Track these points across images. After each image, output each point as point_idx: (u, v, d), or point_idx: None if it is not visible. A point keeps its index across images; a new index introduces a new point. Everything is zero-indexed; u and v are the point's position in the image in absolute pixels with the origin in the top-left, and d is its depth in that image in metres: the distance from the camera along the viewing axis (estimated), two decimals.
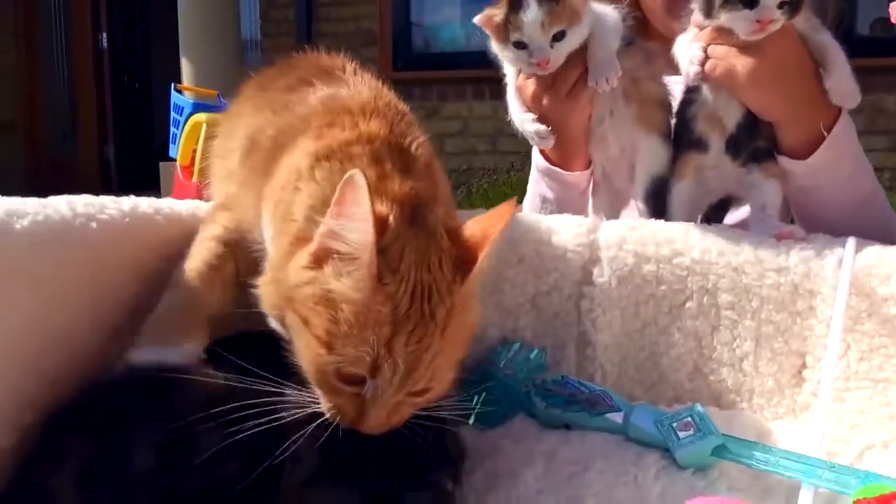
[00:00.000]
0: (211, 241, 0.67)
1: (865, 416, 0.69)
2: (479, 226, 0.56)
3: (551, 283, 0.79)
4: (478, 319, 0.59)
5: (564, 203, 0.95)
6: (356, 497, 0.56)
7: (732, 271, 0.74)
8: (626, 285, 0.77)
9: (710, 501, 0.50)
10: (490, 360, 0.76)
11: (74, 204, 0.61)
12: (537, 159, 0.97)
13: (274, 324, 0.58)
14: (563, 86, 0.83)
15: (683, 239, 0.76)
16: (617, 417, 0.68)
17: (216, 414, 0.50)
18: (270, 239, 0.61)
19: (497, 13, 0.80)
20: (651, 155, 0.84)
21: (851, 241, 0.72)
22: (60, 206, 0.59)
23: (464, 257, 0.54)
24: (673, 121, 0.85)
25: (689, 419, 0.64)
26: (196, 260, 0.66)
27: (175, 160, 2.57)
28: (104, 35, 6.23)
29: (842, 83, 0.78)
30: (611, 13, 0.83)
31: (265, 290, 0.58)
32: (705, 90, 0.80)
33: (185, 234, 0.70)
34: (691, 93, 0.83)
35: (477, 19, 0.83)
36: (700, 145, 0.82)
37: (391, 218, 0.52)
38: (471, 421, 0.70)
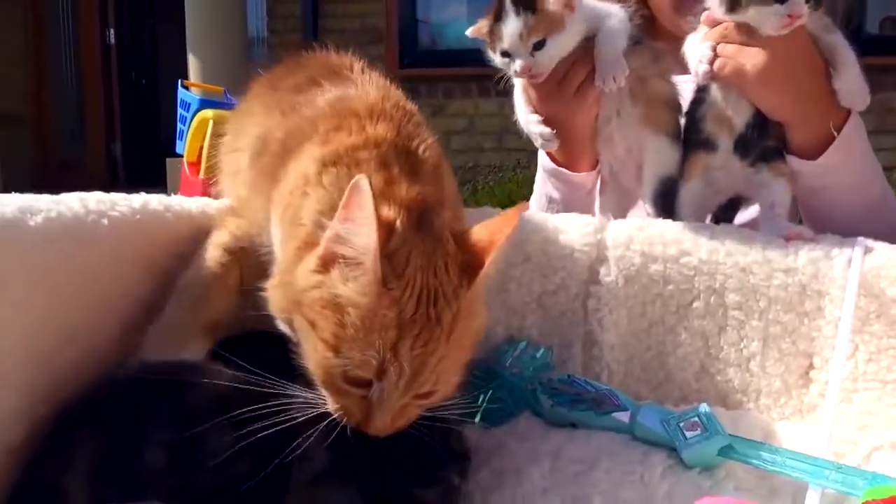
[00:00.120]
0: (217, 248, 0.67)
1: (873, 417, 0.69)
2: (487, 231, 0.56)
3: (558, 283, 0.79)
4: (483, 324, 0.59)
5: (570, 203, 0.95)
6: (365, 494, 0.56)
7: (740, 271, 0.74)
8: (633, 285, 0.77)
9: (718, 501, 0.50)
10: (496, 359, 0.76)
11: (86, 201, 0.61)
12: (543, 160, 0.97)
13: (282, 326, 0.58)
14: (570, 85, 0.83)
15: (691, 239, 0.76)
16: (623, 417, 0.68)
17: (228, 409, 0.51)
18: (279, 243, 0.61)
19: (485, 24, 0.82)
20: (659, 155, 0.83)
21: (860, 242, 0.72)
22: (73, 202, 0.60)
23: (470, 262, 0.54)
24: (682, 120, 0.85)
25: (696, 419, 0.64)
26: (201, 267, 0.67)
27: (182, 156, 2.57)
28: (111, 31, 6.25)
29: (851, 84, 0.78)
30: (618, 12, 0.83)
31: (273, 293, 0.58)
32: (714, 89, 0.80)
33: (194, 232, 0.71)
34: (700, 92, 0.82)
35: (469, 32, 0.84)
36: (708, 145, 0.82)
37: (398, 223, 0.53)
38: (477, 419, 0.70)
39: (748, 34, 0.76)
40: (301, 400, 0.53)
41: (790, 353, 0.74)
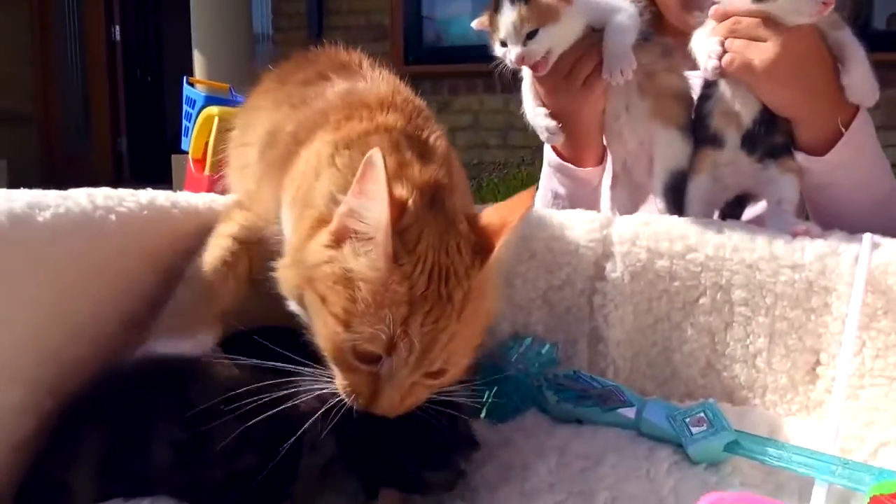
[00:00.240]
0: (227, 237, 0.67)
1: (880, 413, 0.69)
2: (498, 213, 0.57)
3: (563, 279, 0.79)
4: (496, 307, 0.59)
5: (576, 199, 0.95)
6: (374, 478, 0.56)
7: (747, 268, 0.74)
8: (639, 281, 0.77)
9: (725, 496, 0.50)
10: (502, 355, 0.76)
11: (94, 196, 0.61)
12: (549, 155, 0.97)
13: (293, 306, 0.59)
14: (577, 77, 0.84)
15: (697, 235, 0.76)
16: (629, 412, 0.68)
17: (233, 404, 0.51)
18: (290, 225, 0.61)
19: (487, 16, 0.84)
20: (669, 149, 0.84)
21: (868, 238, 0.72)
22: (80, 198, 0.60)
23: (483, 243, 0.55)
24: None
25: (702, 415, 0.64)
26: (210, 255, 0.67)
27: (187, 153, 2.58)
28: (117, 28, 6.26)
29: (860, 79, 0.77)
30: (627, 7, 0.83)
31: (284, 273, 0.58)
32: (722, 85, 0.80)
33: (201, 228, 0.71)
34: (708, 88, 0.82)
35: (474, 23, 0.86)
36: (716, 141, 0.81)
37: (410, 202, 0.53)
38: (483, 415, 0.71)
39: (760, 27, 0.75)
40: (308, 379, 0.53)
41: (797, 349, 0.74)
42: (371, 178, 0.50)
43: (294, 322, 0.59)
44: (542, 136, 0.89)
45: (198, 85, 2.88)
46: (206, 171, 2.41)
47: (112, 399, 0.56)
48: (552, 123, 0.87)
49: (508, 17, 0.80)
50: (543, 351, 0.76)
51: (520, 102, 0.92)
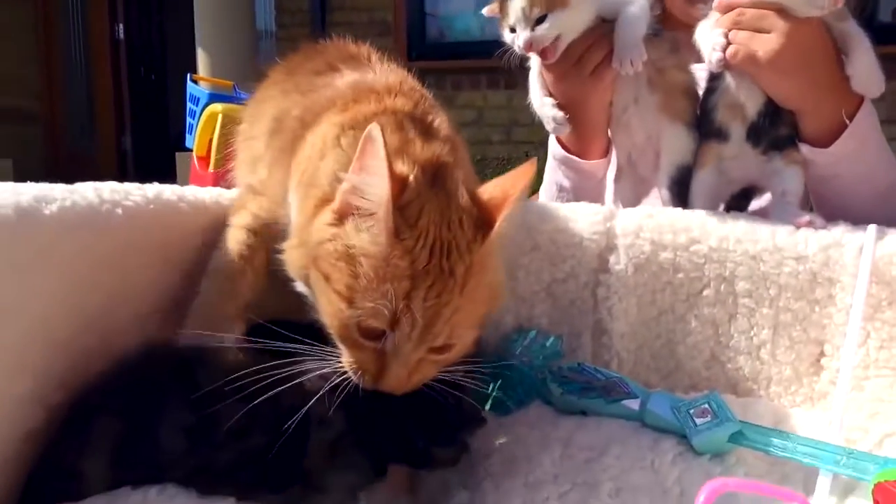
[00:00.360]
0: (241, 230, 0.68)
1: (885, 404, 0.69)
2: (500, 187, 0.57)
3: (567, 271, 0.79)
4: (500, 281, 0.60)
5: (581, 192, 0.95)
6: (383, 453, 0.57)
7: (750, 259, 0.74)
8: (643, 273, 0.77)
9: (729, 481, 0.50)
10: (506, 348, 0.76)
11: (101, 190, 0.62)
12: (554, 148, 0.97)
13: (300, 287, 0.59)
14: (586, 65, 0.84)
15: (701, 227, 0.76)
16: (633, 404, 0.68)
17: (241, 386, 0.52)
18: (296, 207, 0.62)
19: (497, 3, 0.85)
20: (676, 143, 0.84)
21: (872, 229, 0.72)
22: (87, 192, 0.60)
23: (484, 217, 0.55)
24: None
25: (707, 406, 0.64)
26: (227, 250, 0.67)
27: (191, 150, 2.59)
28: (121, 27, 6.26)
29: (865, 70, 0.77)
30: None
31: (291, 253, 0.59)
32: (727, 77, 0.80)
33: (208, 221, 0.71)
34: (713, 81, 0.82)
35: (485, 10, 0.87)
36: (720, 135, 0.81)
37: (412, 178, 0.54)
38: (487, 407, 0.71)
39: (764, 18, 0.75)
40: (314, 358, 0.53)
41: (801, 340, 0.74)
42: (370, 154, 0.50)
43: (306, 309, 0.60)
44: (549, 126, 0.90)
45: (201, 82, 2.89)
46: (211, 168, 2.42)
47: (122, 388, 0.57)
48: (559, 113, 0.87)
49: (518, 1, 0.81)
50: (548, 343, 0.76)
51: (524, 98, 0.92)
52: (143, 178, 0.69)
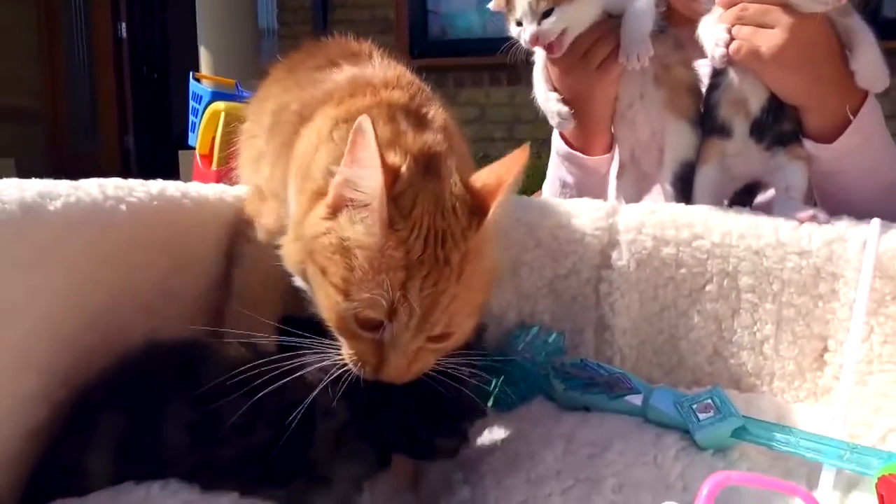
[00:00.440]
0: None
1: (888, 399, 0.68)
2: (493, 174, 0.57)
3: (569, 267, 0.79)
4: (497, 267, 0.60)
5: (584, 187, 0.95)
6: (386, 444, 0.57)
7: (753, 254, 0.74)
8: (645, 269, 0.77)
9: (732, 475, 0.50)
10: (508, 344, 0.76)
11: (105, 187, 0.62)
12: (558, 144, 0.97)
13: (298, 281, 0.59)
14: (593, 59, 0.84)
15: (703, 222, 0.76)
16: (636, 400, 0.68)
17: (243, 381, 0.52)
18: (293, 199, 0.62)
19: None
20: (680, 139, 0.84)
21: (876, 223, 0.71)
22: (91, 188, 0.60)
23: (478, 204, 0.55)
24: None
25: (710, 401, 0.64)
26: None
27: (194, 149, 2.59)
28: (123, 25, 6.27)
29: (869, 65, 0.77)
30: None
31: (288, 248, 0.59)
32: (730, 73, 0.80)
33: (211, 217, 0.72)
34: (716, 77, 0.82)
35: (491, 5, 0.86)
36: (724, 131, 0.81)
37: (404, 168, 0.54)
38: (490, 404, 0.71)
39: (767, 14, 0.75)
40: (315, 351, 0.54)
41: (804, 335, 0.73)
42: (361, 146, 0.51)
43: (304, 303, 0.60)
44: (553, 121, 0.90)
45: (204, 81, 2.88)
46: (214, 167, 2.42)
47: (125, 385, 0.57)
48: (564, 108, 0.87)
49: None
50: (550, 339, 0.76)
51: (526, 95, 0.92)
52: (147, 176, 0.70)
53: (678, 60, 0.85)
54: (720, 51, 0.77)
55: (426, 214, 0.53)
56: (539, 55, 0.89)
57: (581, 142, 0.93)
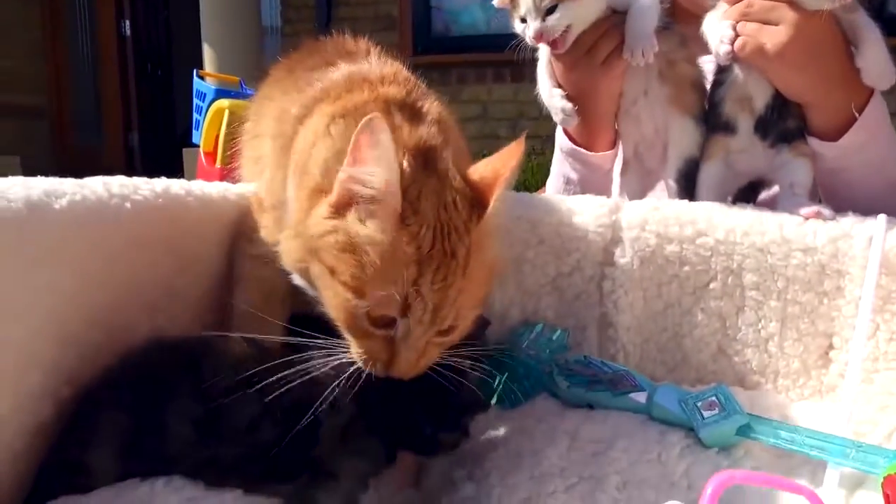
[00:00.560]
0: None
1: (895, 397, 0.68)
2: (490, 166, 0.57)
3: (573, 264, 0.79)
4: (496, 259, 0.60)
5: (588, 184, 0.95)
6: (392, 439, 0.57)
7: (758, 251, 0.74)
8: (649, 266, 0.77)
9: (736, 473, 0.50)
10: (512, 341, 0.76)
11: (109, 185, 0.62)
12: (561, 140, 0.97)
13: (297, 279, 0.59)
14: (597, 55, 0.84)
15: (707, 219, 0.76)
16: (640, 397, 0.68)
17: (247, 377, 0.52)
18: (292, 196, 0.62)
19: None
20: (684, 136, 0.84)
21: (882, 219, 0.71)
22: (96, 186, 0.60)
23: (477, 197, 0.56)
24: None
25: (714, 398, 0.64)
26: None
27: (198, 146, 2.59)
28: (127, 23, 6.28)
29: (875, 62, 0.76)
30: None
31: (287, 245, 0.59)
32: (735, 70, 0.79)
33: (215, 215, 0.72)
34: (720, 74, 0.82)
35: (495, 2, 0.86)
36: (728, 127, 0.81)
37: (405, 163, 0.54)
38: (494, 401, 0.71)
39: (772, 10, 0.74)
40: (321, 350, 0.54)
41: (809, 333, 0.73)
42: (373, 143, 0.50)
43: (305, 301, 0.60)
44: (557, 117, 0.90)
45: (208, 78, 2.88)
46: (218, 164, 2.42)
47: (129, 382, 0.57)
48: (568, 104, 0.87)
49: None
50: (554, 337, 0.76)
51: (529, 91, 0.92)
52: (151, 173, 0.70)
53: (683, 57, 0.84)
54: (725, 47, 0.76)
55: (431, 209, 0.53)
56: (543, 51, 0.89)
57: (585, 138, 0.93)
